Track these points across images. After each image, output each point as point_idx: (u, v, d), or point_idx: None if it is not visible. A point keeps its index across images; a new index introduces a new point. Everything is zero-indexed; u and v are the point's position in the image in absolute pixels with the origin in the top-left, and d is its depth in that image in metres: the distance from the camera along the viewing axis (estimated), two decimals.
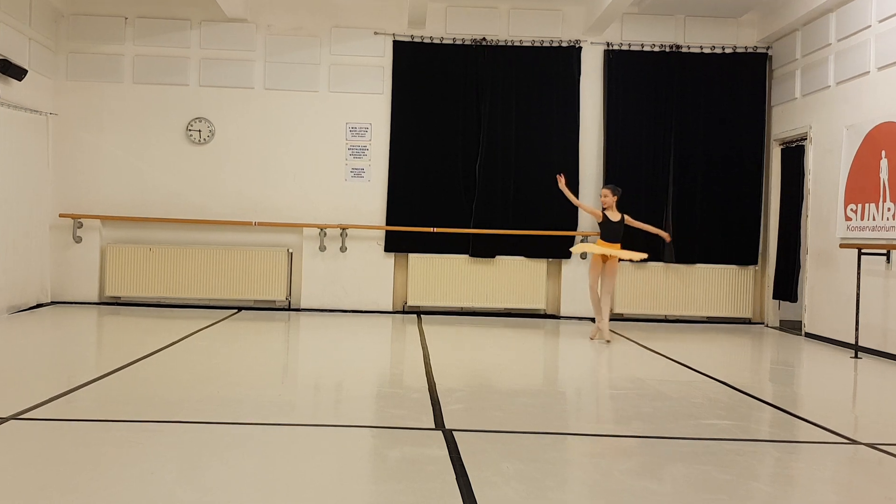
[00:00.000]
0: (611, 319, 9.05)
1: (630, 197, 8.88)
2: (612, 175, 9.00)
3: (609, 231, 7.22)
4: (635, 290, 9.10)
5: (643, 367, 6.09)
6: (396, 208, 9.00)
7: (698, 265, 9.11)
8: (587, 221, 9.09)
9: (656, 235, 7.61)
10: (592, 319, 8.92)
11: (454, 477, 3.02)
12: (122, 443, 3.39)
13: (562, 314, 9.10)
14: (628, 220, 7.24)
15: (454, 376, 5.32)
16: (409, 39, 8.89)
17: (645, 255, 7.29)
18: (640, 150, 9.05)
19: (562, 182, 7.22)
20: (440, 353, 6.39)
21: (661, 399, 4.77)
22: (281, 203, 9.00)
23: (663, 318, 9.21)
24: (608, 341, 7.10)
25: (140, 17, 8.84)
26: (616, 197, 7.23)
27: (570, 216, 8.96)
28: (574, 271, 9.14)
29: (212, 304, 8.91)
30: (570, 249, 7.51)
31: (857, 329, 6.91)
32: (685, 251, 9.08)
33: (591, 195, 9.07)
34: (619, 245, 7.23)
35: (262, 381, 4.92)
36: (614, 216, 7.24)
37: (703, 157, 9.06)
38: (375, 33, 8.89)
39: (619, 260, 7.63)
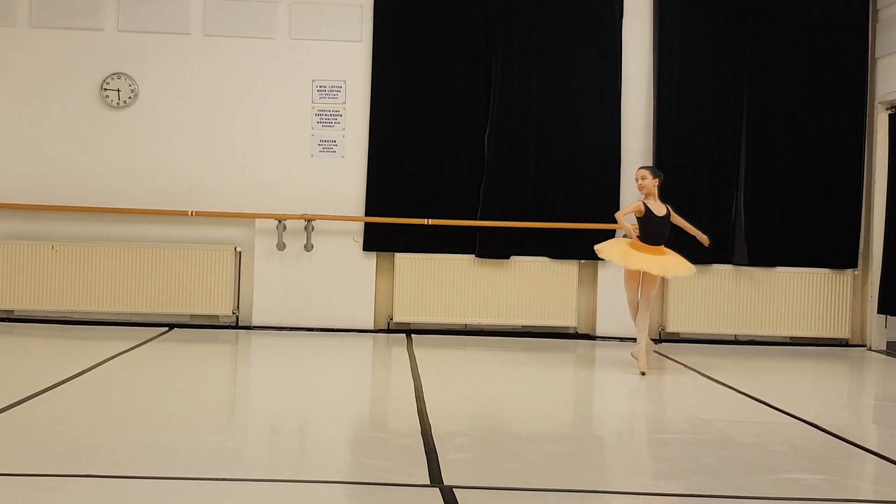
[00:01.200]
0: (662, 340, 9.12)
1: (688, 181, 8.95)
2: (665, 152, 9.03)
3: (652, 229, 7.09)
4: (694, 301, 9.12)
5: (705, 403, 6.13)
6: (379, 194, 9.02)
7: (779, 269, 9.17)
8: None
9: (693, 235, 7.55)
10: (635, 340, 8.91)
11: None
12: None
13: (598, 333, 9.13)
14: (674, 216, 7.18)
15: (455, 416, 5.35)
16: None
17: (693, 270, 7.25)
18: (701, 119, 9.10)
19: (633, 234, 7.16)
20: (437, 384, 6.42)
21: (730, 446, 4.80)
22: (226, 187, 9.02)
23: (732, 338, 9.26)
24: (643, 373, 7.01)
25: None
26: (658, 181, 7.15)
27: (609, 204, 8.95)
28: (615, 276, 8.88)
29: (135, 320, 8.94)
30: (596, 249, 7.35)
31: None
32: (762, 251, 9.09)
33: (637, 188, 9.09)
34: (663, 248, 7.14)
35: (201, 423, 4.95)
36: (658, 209, 7.13)
37: (786, 127, 9.12)
38: None
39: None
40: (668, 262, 7.09)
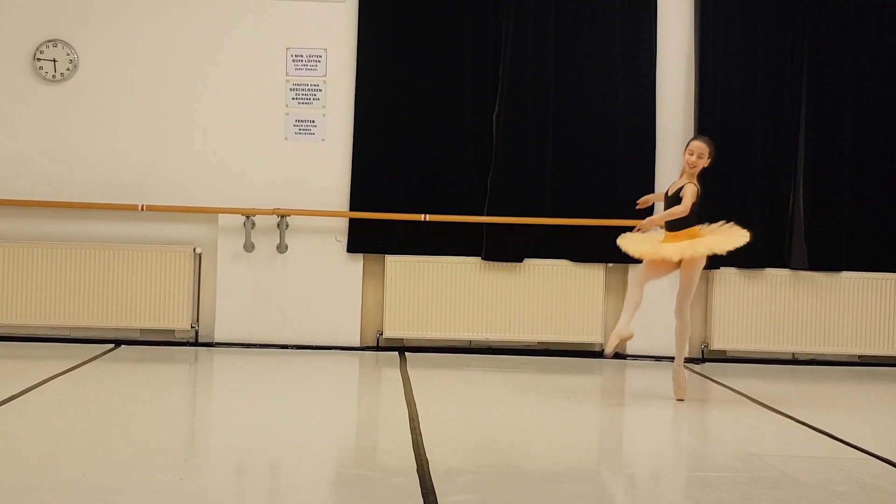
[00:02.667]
0: (706, 360, 9.17)
1: (737, 170, 8.94)
2: (709, 134, 8.28)
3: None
4: (744, 313, 9.13)
5: (757, 435, 6.13)
6: (366, 184, 9.02)
7: (845, 274, 9.18)
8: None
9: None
10: (673, 359, 8.91)
11: None
12: None
13: (628, 352, 9.11)
14: (688, 196, 6.82)
15: (458, 450, 5.38)
16: None
17: (745, 239, 6.93)
18: (753, 95, 9.09)
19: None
20: (436, 413, 6.42)
21: (787, 486, 4.81)
22: (183, 176, 9.04)
23: (790, 357, 9.29)
24: (680, 399, 7.00)
25: None
26: (709, 161, 6.97)
27: (644, 194, 8.42)
28: (649, 284, 9.04)
29: (74, 335, 8.93)
30: (619, 242, 7.20)
31: None
32: (825, 252, 9.10)
33: (677, 172, 8.88)
34: (691, 233, 6.91)
35: (154, 459, 4.96)
36: (679, 182, 7.06)
37: (855, 104, 9.11)
38: None
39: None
40: (692, 243, 6.85)
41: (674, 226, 6.96)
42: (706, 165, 6.98)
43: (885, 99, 9.15)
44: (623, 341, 7.06)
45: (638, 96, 9.08)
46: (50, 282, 8.79)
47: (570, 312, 9.07)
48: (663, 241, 6.97)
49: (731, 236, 6.98)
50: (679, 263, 6.91)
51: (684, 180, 6.95)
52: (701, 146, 6.95)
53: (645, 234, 7.16)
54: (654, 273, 7.05)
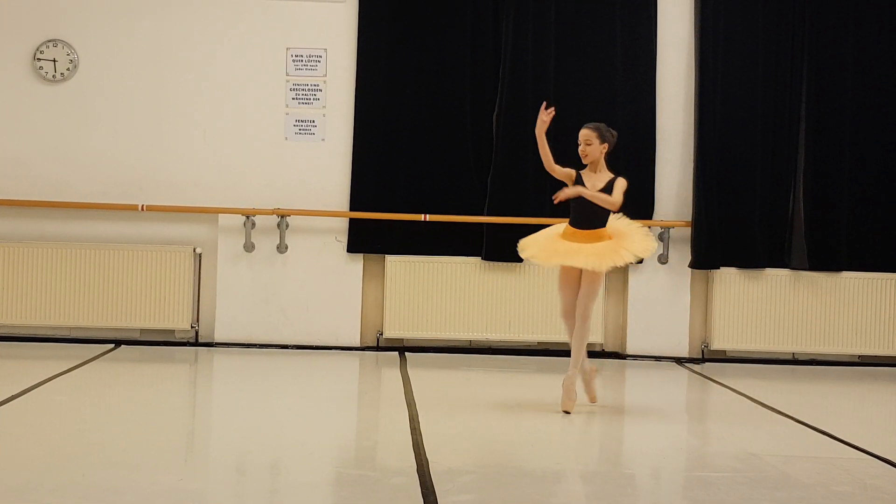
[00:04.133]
0: (706, 360, 9.16)
1: (737, 168, 8.99)
2: (709, 134, 9.07)
3: (581, 208, 6.49)
4: (743, 312, 9.14)
5: (758, 435, 6.14)
6: (366, 184, 9.02)
7: (845, 274, 9.18)
8: (670, 204, 9.20)
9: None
10: (675, 359, 9.07)
11: None
12: None
13: (629, 351, 9.19)
14: (619, 190, 6.41)
15: (458, 450, 5.39)
16: None
17: (652, 248, 6.62)
18: (753, 93, 9.11)
19: (544, 119, 6.52)
20: (436, 413, 6.42)
21: (787, 486, 4.83)
22: (183, 176, 9.05)
23: (790, 357, 9.30)
24: (566, 412, 6.45)
25: None
26: (606, 147, 6.54)
27: (642, 195, 8.95)
28: (649, 283, 9.18)
29: (74, 335, 8.94)
30: (520, 246, 6.72)
31: None
32: (825, 252, 9.10)
33: (677, 172, 9.18)
34: (602, 233, 6.47)
35: (154, 459, 4.97)
36: (597, 181, 6.50)
37: (855, 102, 9.11)
38: None
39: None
40: (606, 248, 6.39)
41: (584, 222, 6.49)
42: (607, 151, 6.55)
43: (886, 98, 9.15)
44: (590, 385, 6.68)
45: (638, 96, 9.08)
46: (50, 282, 8.78)
47: None
48: (563, 236, 6.57)
49: (641, 241, 6.60)
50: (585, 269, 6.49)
51: (604, 174, 6.51)
52: (587, 133, 6.54)
53: (545, 235, 6.75)
54: (569, 284, 6.57)
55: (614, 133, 6.67)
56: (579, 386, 6.60)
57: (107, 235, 8.99)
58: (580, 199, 6.43)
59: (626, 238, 6.54)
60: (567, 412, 6.43)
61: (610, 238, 6.49)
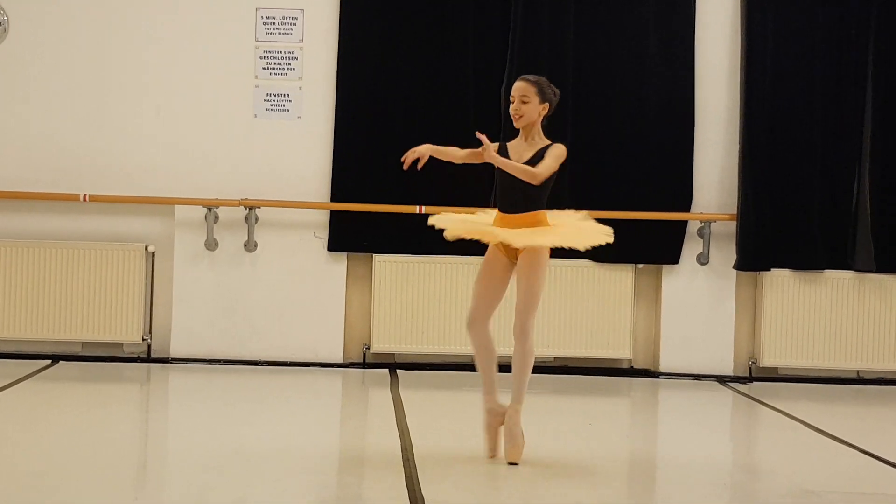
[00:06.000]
0: (754, 378, 8.80)
1: (790, 154, 8.69)
2: (756, 112, 8.73)
3: (501, 185, 5.84)
4: (799, 323, 8.83)
5: (816, 468, 6.04)
6: (351, 170, 8.77)
7: None
8: (711, 194, 8.84)
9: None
10: (717, 378, 8.78)
11: None
12: None
13: (662, 369, 8.92)
14: (551, 157, 5.64)
15: (459, 485, 5.33)
16: None
17: (607, 237, 5.89)
18: (810, 64, 8.80)
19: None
20: (433, 442, 6.31)
21: None
22: (134, 160, 8.79)
23: (854, 375, 8.98)
24: (513, 462, 5.65)
25: None
26: (546, 106, 5.77)
27: (678, 184, 8.79)
28: (686, 287, 8.90)
29: (3, 349, 8.71)
30: (432, 222, 6.09)
31: None
32: (895, 251, 8.81)
33: (720, 156, 8.87)
34: (535, 218, 5.74)
35: (99, 496, 4.88)
36: (525, 150, 5.78)
37: None
38: None
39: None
40: (546, 230, 5.74)
41: (509, 203, 5.76)
42: (546, 114, 5.77)
43: None
44: (497, 430, 5.78)
45: (672, 66, 8.86)
46: None
47: (592, 322, 8.88)
48: (493, 223, 5.91)
49: (589, 231, 5.90)
50: (520, 260, 5.71)
51: (537, 142, 5.73)
52: (524, 87, 5.73)
53: (469, 217, 6.14)
54: (489, 288, 5.82)
55: (557, 91, 5.89)
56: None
57: (42, 231, 8.79)
58: (502, 174, 5.74)
59: (569, 227, 5.90)
60: (513, 463, 5.64)
61: (548, 226, 5.82)
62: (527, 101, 5.71)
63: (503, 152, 5.75)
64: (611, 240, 5.90)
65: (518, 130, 5.81)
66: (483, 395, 5.82)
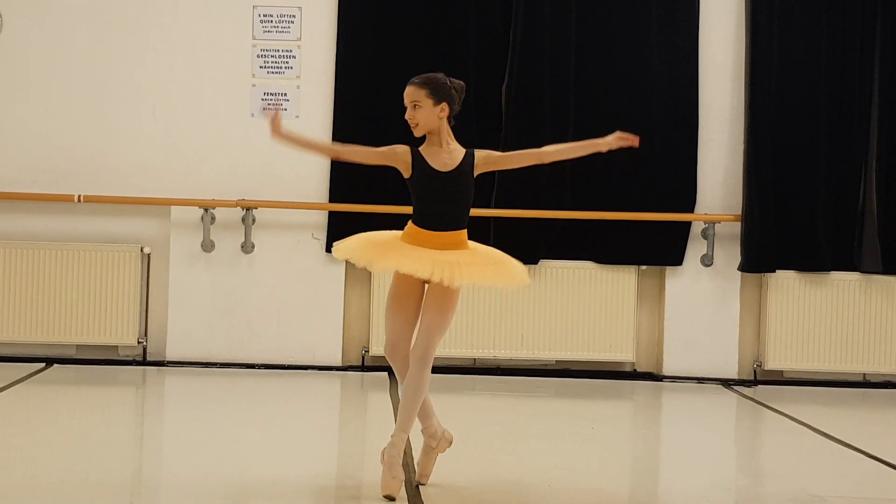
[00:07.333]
0: (759, 382, 8.83)
1: (795, 153, 8.70)
2: (762, 110, 8.71)
3: (430, 198, 5.18)
4: (804, 326, 8.84)
5: (821, 472, 6.03)
6: (350, 171, 8.34)
7: None
8: (715, 194, 8.84)
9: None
10: (722, 381, 8.80)
11: None
12: None
13: (665, 372, 8.92)
14: (490, 159, 5.23)
15: (461, 494, 5.26)
16: None
17: (523, 279, 5.37)
18: (815, 60, 8.78)
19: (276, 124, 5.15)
20: None
21: None
22: (129, 161, 8.78)
23: (860, 378, 8.97)
24: (389, 497, 4.99)
25: None
26: (446, 109, 5.16)
27: (681, 183, 8.77)
28: (690, 289, 8.89)
29: None
30: (335, 249, 5.39)
31: None
32: None
33: (724, 156, 8.85)
34: (458, 239, 5.21)
35: (94, 503, 4.86)
36: (446, 159, 5.15)
37: None
38: None
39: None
40: (469, 258, 5.18)
41: (437, 219, 5.14)
42: (449, 114, 5.17)
43: None
44: (430, 456, 5.32)
45: (677, 62, 8.86)
46: None
47: (595, 325, 8.87)
48: (405, 238, 5.24)
49: (508, 269, 5.33)
50: (430, 288, 5.17)
51: (447, 147, 5.13)
52: (412, 92, 5.13)
53: (375, 236, 5.46)
54: (405, 309, 5.19)
55: (459, 85, 5.26)
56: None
57: (35, 232, 8.78)
58: (432, 186, 5.14)
59: (490, 265, 5.29)
60: (390, 498, 4.97)
61: (460, 248, 5.20)
62: (419, 106, 5.13)
63: (419, 160, 5.13)
64: (527, 282, 5.35)
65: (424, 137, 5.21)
66: (421, 420, 5.23)
